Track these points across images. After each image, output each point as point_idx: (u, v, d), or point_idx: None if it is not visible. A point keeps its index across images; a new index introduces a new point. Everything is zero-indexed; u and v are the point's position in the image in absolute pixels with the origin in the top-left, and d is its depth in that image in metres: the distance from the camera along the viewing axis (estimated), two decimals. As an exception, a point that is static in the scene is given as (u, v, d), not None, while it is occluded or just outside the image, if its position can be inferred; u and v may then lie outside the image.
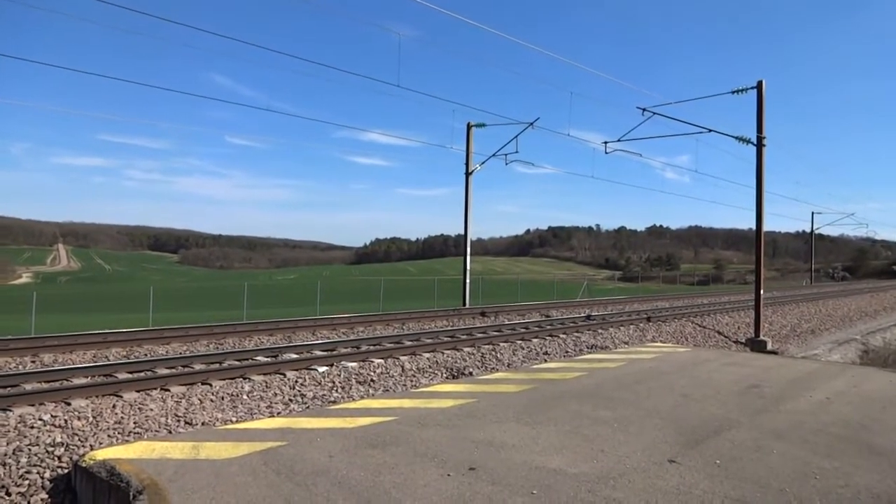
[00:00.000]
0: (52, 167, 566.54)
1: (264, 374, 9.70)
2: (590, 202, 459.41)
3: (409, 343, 13.10)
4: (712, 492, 4.63)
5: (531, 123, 22.93)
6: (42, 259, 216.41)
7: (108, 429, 6.89)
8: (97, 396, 7.96)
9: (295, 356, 11.11)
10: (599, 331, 16.78)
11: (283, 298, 49.59)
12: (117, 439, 6.61)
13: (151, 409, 7.65)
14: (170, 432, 6.99)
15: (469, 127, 25.28)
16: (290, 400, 8.71)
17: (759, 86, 18.08)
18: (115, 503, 4.72)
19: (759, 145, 18.38)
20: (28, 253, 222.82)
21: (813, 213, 57.61)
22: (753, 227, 19.28)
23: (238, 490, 4.54)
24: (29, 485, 5.56)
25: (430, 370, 11.16)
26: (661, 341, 16.32)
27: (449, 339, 14.11)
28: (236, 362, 10.44)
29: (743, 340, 19.35)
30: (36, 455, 6.01)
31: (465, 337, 14.37)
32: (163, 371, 9.57)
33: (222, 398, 8.41)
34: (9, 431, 6.52)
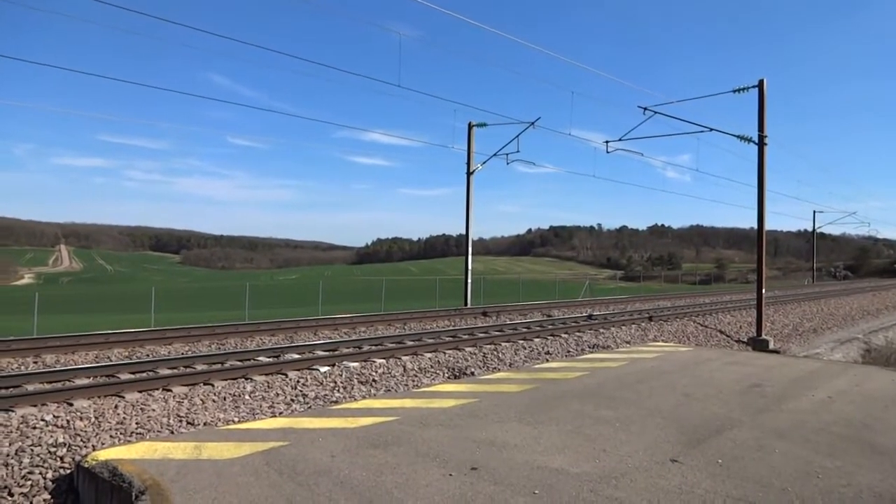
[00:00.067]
0: (52, 168, 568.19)
1: (266, 375, 9.71)
2: (591, 201, 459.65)
3: (410, 343, 13.11)
4: (714, 491, 4.62)
5: (532, 123, 22.92)
6: (44, 260, 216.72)
7: (111, 429, 6.90)
8: (99, 397, 7.97)
9: (297, 356, 11.12)
10: (601, 330, 16.77)
11: (285, 299, 49.58)
12: (119, 440, 6.63)
13: (153, 410, 7.66)
14: (172, 433, 7.00)
15: (470, 127, 25.28)
16: (292, 400, 8.72)
17: (760, 84, 18.06)
18: (118, 503, 4.73)
19: (761, 144, 18.36)
20: (30, 254, 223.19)
21: (815, 212, 57.62)
22: (755, 226, 19.27)
23: (240, 490, 4.55)
24: (31, 485, 5.57)
25: (432, 370, 11.16)
26: (662, 341, 16.31)
27: (451, 338, 14.11)
28: (238, 362, 10.45)
29: (745, 339, 19.32)
30: (38, 455, 6.02)
31: (466, 337, 14.37)
32: (165, 371, 9.58)
33: (224, 398, 8.42)
34: (11, 432, 6.53)
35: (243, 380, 9.32)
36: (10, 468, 5.76)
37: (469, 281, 25.31)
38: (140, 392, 8.33)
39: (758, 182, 18.67)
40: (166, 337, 12.94)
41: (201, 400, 8.23)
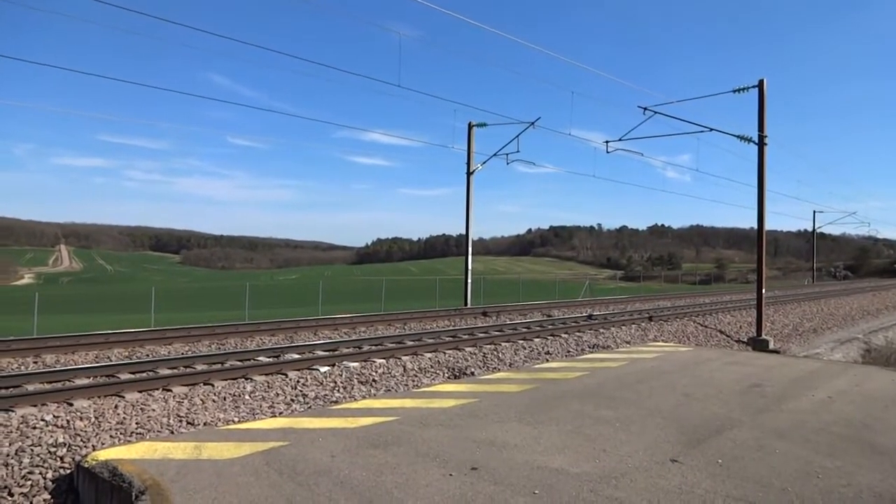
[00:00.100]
0: (52, 168, 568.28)
1: (266, 375, 9.71)
2: (591, 201, 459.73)
3: (410, 343, 13.11)
4: (714, 491, 4.62)
5: (532, 123, 22.92)
6: (44, 260, 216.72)
7: (111, 429, 6.90)
8: (99, 397, 7.97)
9: (297, 356, 11.12)
10: (601, 330, 16.77)
11: (285, 299, 49.57)
12: (119, 440, 6.63)
13: (153, 410, 7.66)
14: (172, 433, 7.00)
15: (470, 127, 25.28)
16: (292, 400, 8.72)
17: (760, 84, 18.06)
18: (118, 503, 4.73)
19: (761, 144, 18.36)
20: (30, 254, 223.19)
21: (815, 212, 57.62)
22: (755, 226, 19.27)
23: (240, 490, 4.55)
24: (31, 485, 5.58)
25: (432, 370, 11.16)
26: (662, 341, 16.31)
27: (451, 338, 14.11)
28: (238, 362, 10.45)
29: (745, 339, 19.32)
30: (38, 455, 6.02)
31: (466, 337, 14.37)
32: (165, 371, 9.58)
33: (224, 398, 8.42)
34: (11, 432, 6.53)
35: (243, 380, 9.32)
36: (10, 468, 5.76)
37: (469, 281, 25.31)
38: (140, 392, 8.33)
39: (758, 182, 18.68)
40: (166, 337, 12.94)
41: (201, 400, 8.23)
